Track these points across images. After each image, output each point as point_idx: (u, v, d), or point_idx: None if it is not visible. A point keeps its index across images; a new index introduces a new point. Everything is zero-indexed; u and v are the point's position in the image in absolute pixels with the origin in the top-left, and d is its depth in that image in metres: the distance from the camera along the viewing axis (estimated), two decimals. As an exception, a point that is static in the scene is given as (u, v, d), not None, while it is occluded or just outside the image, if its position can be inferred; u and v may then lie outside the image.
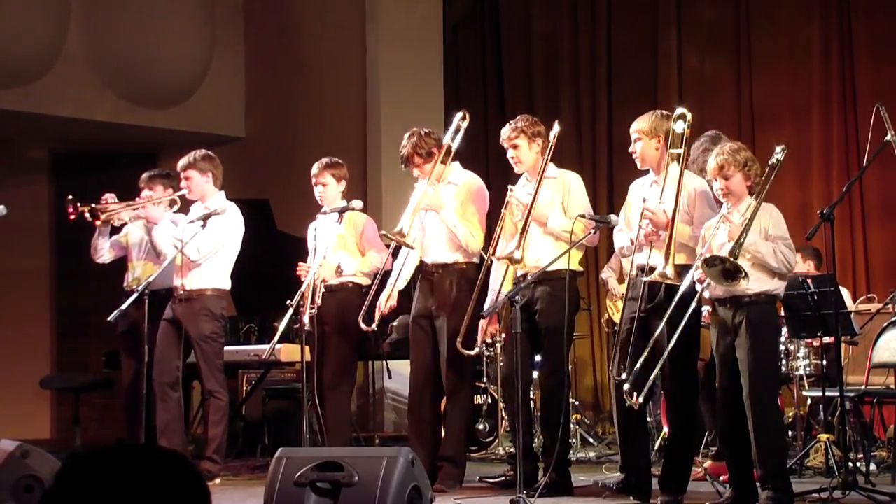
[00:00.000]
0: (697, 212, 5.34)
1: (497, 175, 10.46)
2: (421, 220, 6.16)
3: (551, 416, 5.76)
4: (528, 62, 10.52)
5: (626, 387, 5.09)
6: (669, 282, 5.13)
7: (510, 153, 6.02)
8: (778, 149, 5.18)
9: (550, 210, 5.86)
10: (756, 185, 5.09)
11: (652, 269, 5.19)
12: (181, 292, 6.51)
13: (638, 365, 5.08)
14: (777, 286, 5.08)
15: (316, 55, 10.25)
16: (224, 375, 6.67)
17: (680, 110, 5.40)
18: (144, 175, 7.01)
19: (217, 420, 6.53)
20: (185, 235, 6.42)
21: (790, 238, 5.11)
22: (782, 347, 7.08)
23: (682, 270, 5.16)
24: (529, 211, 5.72)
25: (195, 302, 6.50)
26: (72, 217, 6.59)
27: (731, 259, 4.79)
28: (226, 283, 6.67)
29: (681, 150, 5.34)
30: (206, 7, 10.48)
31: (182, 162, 6.67)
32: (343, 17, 10.09)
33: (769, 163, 5.14)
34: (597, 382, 9.79)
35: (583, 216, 5.63)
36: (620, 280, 7.64)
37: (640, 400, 5.14)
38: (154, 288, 6.35)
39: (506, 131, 6.01)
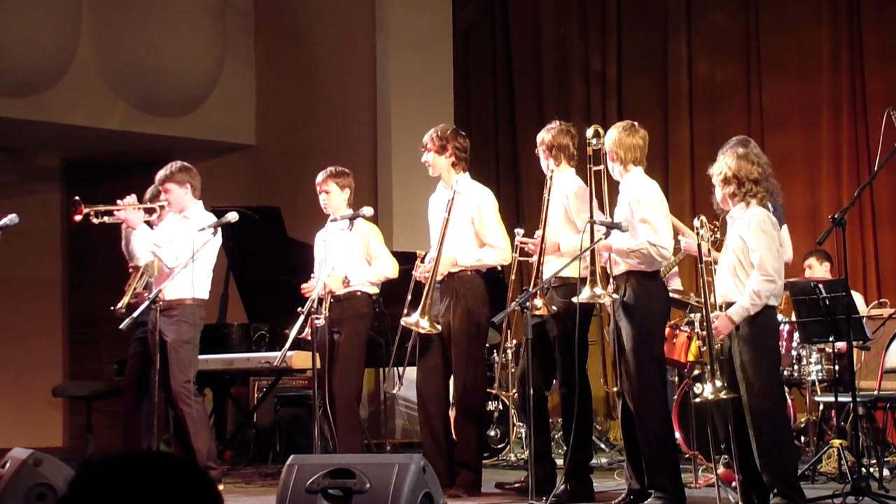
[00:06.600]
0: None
1: (506, 180, 10.49)
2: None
3: (566, 423, 5.80)
4: (538, 68, 10.50)
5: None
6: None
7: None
8: None
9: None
10: (749, 195, 5.05)
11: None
12: (160, 302, 6.40)
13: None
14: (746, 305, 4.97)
15: (326, 62, 10.26)
16: (196, 385, 6.51)
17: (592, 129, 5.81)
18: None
19: (196, 430, 6.39)
20: (195, 243, 6.39)
21: (775, 254, 5.02)
22: (794, 353, 7.08)
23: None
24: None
25: (174, 310, 6.45)
26: (77, 218, 6.48)
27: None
28: (205, 293, 6.59)
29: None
30: (216, 15, 10.50)
31: (160, 175, 6.63)
32: (353, 23, 10.10)
33: None
34: (608, 389, 9.73)
35: (594, 221, 5.61)
36: None
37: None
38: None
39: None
